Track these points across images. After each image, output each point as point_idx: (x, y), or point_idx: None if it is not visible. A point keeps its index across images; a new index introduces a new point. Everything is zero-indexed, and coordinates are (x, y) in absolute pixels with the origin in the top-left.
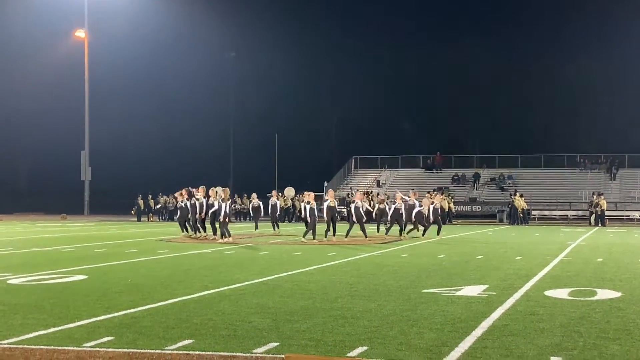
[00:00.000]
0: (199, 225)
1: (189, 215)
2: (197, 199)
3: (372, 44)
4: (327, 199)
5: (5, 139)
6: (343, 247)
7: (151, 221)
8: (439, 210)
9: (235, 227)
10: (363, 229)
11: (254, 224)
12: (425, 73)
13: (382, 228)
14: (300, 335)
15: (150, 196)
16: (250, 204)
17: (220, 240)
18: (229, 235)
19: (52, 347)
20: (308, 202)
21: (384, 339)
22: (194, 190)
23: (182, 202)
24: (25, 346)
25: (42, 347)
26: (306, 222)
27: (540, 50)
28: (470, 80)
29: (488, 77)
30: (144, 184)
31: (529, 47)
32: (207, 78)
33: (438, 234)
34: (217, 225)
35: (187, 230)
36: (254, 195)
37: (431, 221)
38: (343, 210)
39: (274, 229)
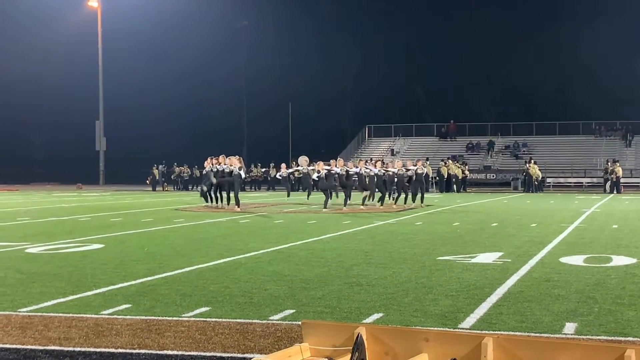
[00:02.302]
0: (218, 195)
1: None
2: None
3: (384, 10)
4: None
5: (20, 109)
6: (358, 215)
7: (166, 191)
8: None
9: (250, 196)
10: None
11: (267, 192)
12: (438, 40)
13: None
14: (316, 302)
15: (175, 165)
16: (280, 174)
17: (237, 209)
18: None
19: (70, 314)
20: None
21: (400, 305)
22: (215, 159)
23: (208, 170)
24: (44, 314)
25: (60, 314)
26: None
27: (555, 15)
28: (485, 47)
29: (503, 44)
30: (158, 154)
31: (544, 12)
32: (220, 47)
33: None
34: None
35: (210, 201)
36: (283, 165)
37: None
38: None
39: (308, 198)
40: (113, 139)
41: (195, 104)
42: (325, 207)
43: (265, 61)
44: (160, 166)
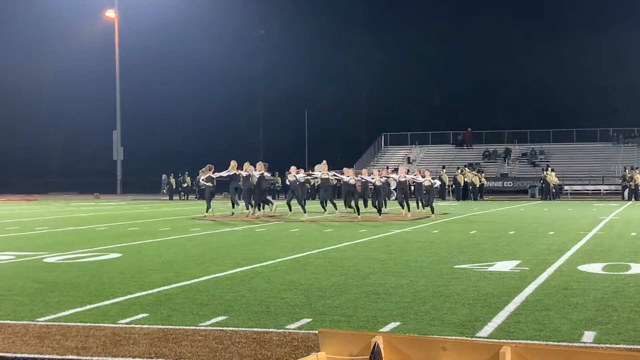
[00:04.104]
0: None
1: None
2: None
3: (400, 18)
4: (349, 177)
5: (37, 119)
6: (374, 223)
7: (183, 200)
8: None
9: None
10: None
11: (283, 201)
12: (454, 47)
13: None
14: (333, 311)
15: (187, 174)
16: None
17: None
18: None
19: (88, 324)
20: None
21: (417, 314)
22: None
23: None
24: (61, 323)
25: (78, 324)
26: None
27: (572, 22)
28: (500, 53)
29: (519, 51)
30: (176, 163)
31: (561, 19)
32: (237, 56)
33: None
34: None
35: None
36: (293, 168)
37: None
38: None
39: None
40: (130, 148)
41: (212, 113)
42: (359, 215)
43: (282, 69)
44: (172, 174)
